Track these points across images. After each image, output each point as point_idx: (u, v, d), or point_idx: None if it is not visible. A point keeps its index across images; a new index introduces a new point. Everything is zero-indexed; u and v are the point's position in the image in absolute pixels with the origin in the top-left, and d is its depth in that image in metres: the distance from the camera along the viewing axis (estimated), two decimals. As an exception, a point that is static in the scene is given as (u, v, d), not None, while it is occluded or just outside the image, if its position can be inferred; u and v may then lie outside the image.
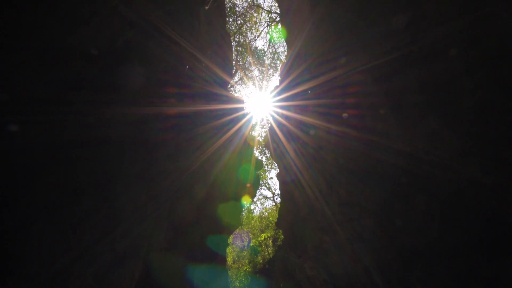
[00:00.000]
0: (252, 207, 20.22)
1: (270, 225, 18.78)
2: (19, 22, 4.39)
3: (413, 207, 5.17)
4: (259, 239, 17.98)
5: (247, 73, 16.50)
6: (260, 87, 17.00)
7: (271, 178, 19.95)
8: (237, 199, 8.93)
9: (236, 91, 16.41)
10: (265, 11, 16.41)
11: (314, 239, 7.57)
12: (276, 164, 16.05)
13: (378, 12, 5.64)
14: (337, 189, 6.92)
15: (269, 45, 16.89)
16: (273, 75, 17.32)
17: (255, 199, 19.70)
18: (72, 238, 4.71)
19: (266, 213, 20.08)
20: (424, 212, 4.99)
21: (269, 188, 19.84)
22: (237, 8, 15.94)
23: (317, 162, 8.16)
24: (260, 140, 16.63)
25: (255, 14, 16.34)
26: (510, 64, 4.01)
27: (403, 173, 5.39)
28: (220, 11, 10.23)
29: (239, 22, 15.95)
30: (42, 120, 4.67)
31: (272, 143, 9.65)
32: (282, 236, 10.51)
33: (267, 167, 18.73)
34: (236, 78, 15.41)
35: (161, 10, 6.67)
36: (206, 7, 8.58)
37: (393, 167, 5.60)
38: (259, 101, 16.30)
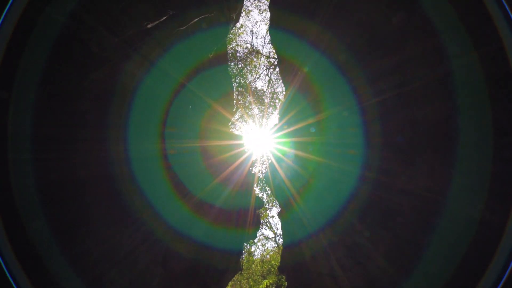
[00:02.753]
0: (253, 249, 19.39)
1: (273, 269, 17.83)
2: (36, 66, 4.63)
3: (424, 248, 4.96)
4: (261, 286, 16.98)
5: (247, 111, 17.03)
6: (260, 124, 17.40)
7: (272, 216, 19.37)
8: (237, 240, 8.62)
9: (237, 128, 16.77)
10: (264, 56, 17.46)
11: (320, 286, 7.16)
12: (277, 202, 15.74)
13: (373, 52, 5.94)
14: (340, 230, 6.72)
15: (268, 85, 17.66)
16: (272, 113, 17.80)
17: (255, 240, 18.98)
18: (60, 285, 4.51)
19: (268, 256, 19.18)
20: (436, 253, 4.76)
21: (270, 228, 19.21)
22: (238, 54, 17.08)
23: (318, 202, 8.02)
24: (261, 176, 16.52)
25: (254, 59, 17.39)
26: (497, 105, 4.13)
27: (409, 212, 5.27)
28: (222, 56, 10.82)
29: (240, 65, 16.88)
30: (44, 158, 4.72)
31: (272, 179, 9.57)
32: (286, 283, 9.96)
33: (268, 205, 18.31)
34: (236, 116, 15.89)
35: (173, 60, 7.05)
36: (210, 56, 9.10)
37: (398, 206, 5.50)
38: (259, 138, 16.55)
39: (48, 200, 4.58)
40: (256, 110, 17.63)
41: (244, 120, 17.45)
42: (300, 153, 8.66)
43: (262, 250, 19.60)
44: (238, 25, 16.61)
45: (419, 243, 5.03)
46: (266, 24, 17.58)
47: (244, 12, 16.69)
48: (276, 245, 19.24)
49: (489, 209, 4.18)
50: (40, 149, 4.61)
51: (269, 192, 17.17)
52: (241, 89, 16.43)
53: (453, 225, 4.62)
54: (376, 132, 6.03)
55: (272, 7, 9.51)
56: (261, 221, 17.93)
